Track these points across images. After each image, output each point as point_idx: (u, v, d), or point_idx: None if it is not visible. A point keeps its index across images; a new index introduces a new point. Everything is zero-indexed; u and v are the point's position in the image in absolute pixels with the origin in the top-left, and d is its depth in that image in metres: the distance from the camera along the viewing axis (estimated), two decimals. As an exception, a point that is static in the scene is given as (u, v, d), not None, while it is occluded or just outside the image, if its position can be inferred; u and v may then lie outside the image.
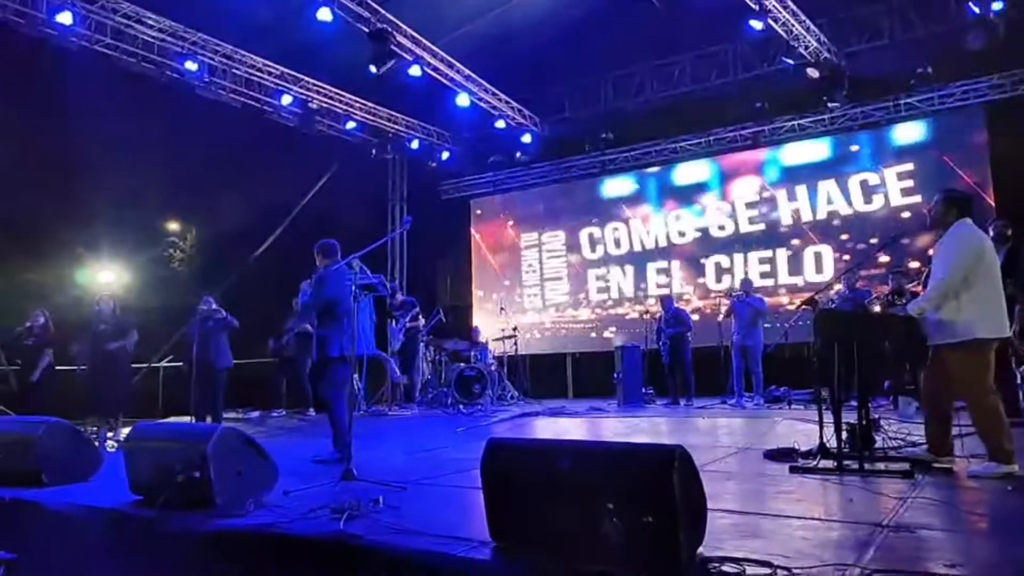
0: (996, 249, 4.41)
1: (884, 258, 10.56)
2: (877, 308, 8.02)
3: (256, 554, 3.07)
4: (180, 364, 9.62)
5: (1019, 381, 7.30)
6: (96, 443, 6.58)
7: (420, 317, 11.30)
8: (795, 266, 12.17)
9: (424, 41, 11.04)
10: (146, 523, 3.36)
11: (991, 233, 6.47)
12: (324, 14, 9.44)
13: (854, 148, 11.99)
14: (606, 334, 13.61)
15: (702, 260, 12.99)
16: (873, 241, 11.22)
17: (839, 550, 2.64)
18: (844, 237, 11.79)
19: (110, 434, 7.86)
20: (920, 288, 5.67)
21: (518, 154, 13.91)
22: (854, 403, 4.60)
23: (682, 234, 13.24)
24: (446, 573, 2.62)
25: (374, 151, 14.09)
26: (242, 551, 3.11)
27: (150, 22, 10.11)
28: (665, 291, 12.60)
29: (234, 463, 3.62)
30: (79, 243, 13.80)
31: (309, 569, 2.93)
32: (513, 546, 2.70)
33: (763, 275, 12.27)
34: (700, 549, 2.56)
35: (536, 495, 2.66)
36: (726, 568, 2.41)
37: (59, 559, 3.46)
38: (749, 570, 2.37)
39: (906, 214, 11.19)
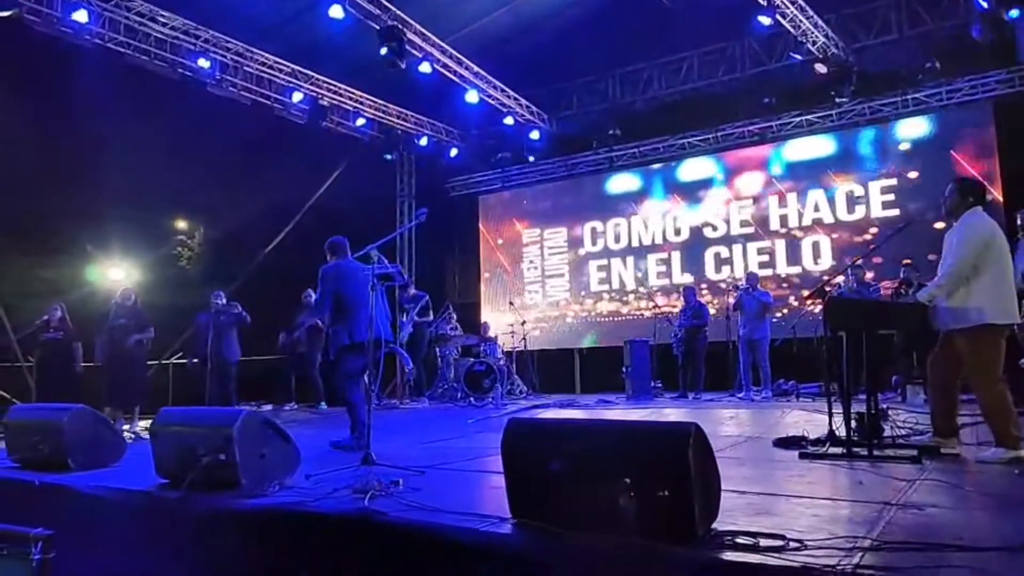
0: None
1: (877, 259, 10.56)
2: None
3: (283, 532, 3.17)
4: (188, 360, 9.70)
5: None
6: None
7: (430, 311, 11.37)
8: (793, 257, 12.25)
9: (433, 38, 11.15)
10: (174, 503, 3.47)
11: (1020, 221, 6.50)
12: (336, 11, 9.54)
13: (859, 144, 12.05)
14: (613, 329, 13.67)
15: (708, 254, 13.06)
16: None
17: (849, 525, 2.73)
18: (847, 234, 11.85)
19: (127, 426, 7.99)
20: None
21: (530, 158, 14.03)
22: (863, 396, 4.69)
23: (689, 229, 13.30)
24: (469, 547, 2.71)
25: (384, 148, 14.20)
26: (269, 529, 3.21)
27: (163, 20, 10.25)
28: (682, 283, 12.65)
29: (258, 445, 3.72)
30: (89, 240, 13.91)
31: (336, 545, 3.02)
32: (532, 521, 2.79)
33: (761, 264, 12.36)
34: (714, 524, 2.65)
35: (555, 472, 2.75)
36: (740, 540, 2.49)
37: (91, 539, 3.56)
38: (762, 542, 2.45)
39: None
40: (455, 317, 11.53)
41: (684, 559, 2.41)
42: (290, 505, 3.24)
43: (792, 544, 2.42)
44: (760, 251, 12.59)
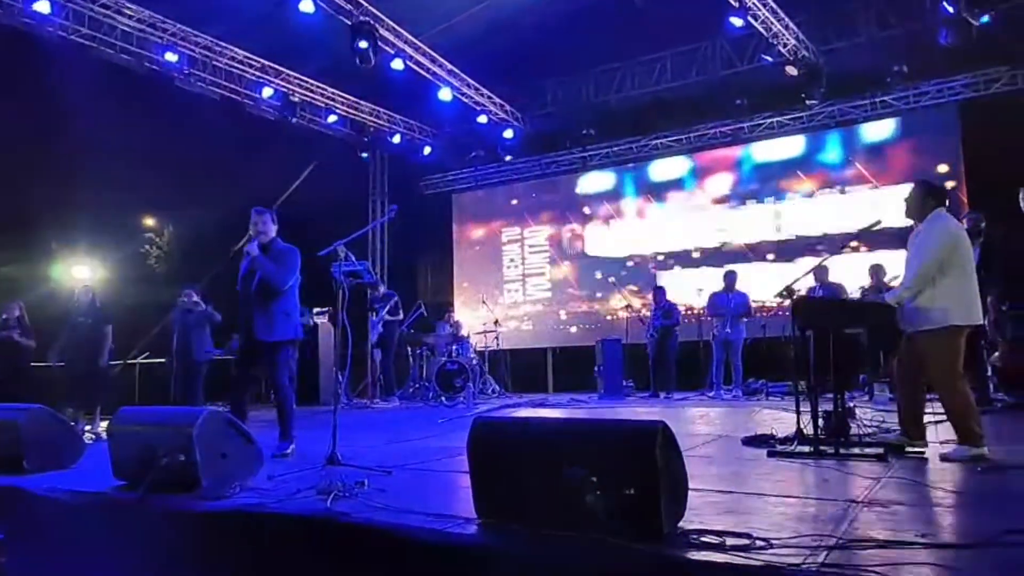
0: (971, 243, 4.52)
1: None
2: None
3: (243, 534, 3.09)
4: (157, 360, 9.52)
5: (989, 373, 7.49)
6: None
7: (400, 310, 11.28)
8: (765, 256, 12.35)
9: (406, 35, 11.06)
10: (131, 505, 3.37)
11: (966, 226, 6.62)
12: (306, 5, 9.43)
13: (828, 146, 12.19)
14: (587, 328, 13.68)
15: (683, 254, 13.12)
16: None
17: (815, 523, 2.73)
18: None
19: (88, 427, 7.81)
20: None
21: (507, 157, 14.00)
22: (831, 395, 4.72)
23: (663, 229, 13.34)
24: (434, 549, 2.66)
25: (357, 146, 14.07)
26: (229, 531, 3.13)
27: (129, 12, 10.03)
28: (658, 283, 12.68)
29: (219, 446, 3.64)
30: (53, 238, 13.62)
31: (297, 548, 2.96)
32: (498, 522, 2.75)
33: (735, 263, 12.39)
34: (681, 523, 2.63)
35: (521, 471, 2.72)
36: (706, 539, 2.47)
37: (46, 543, 3.46)
38: (728, 541, 2.44)
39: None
40: (397, 302, 11.26)
41: (650, 558, 2.39)
42: (251, 507, 3.17)
43: (758, 543, 2.41)
44: (733, 251, 12.66)
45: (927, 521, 2.76)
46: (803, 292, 7.29)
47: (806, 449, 4.52)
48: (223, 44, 11.11)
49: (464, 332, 12.20)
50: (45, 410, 4.70)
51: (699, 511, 2.87)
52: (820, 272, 9.22)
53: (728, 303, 10.16)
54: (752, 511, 2.98)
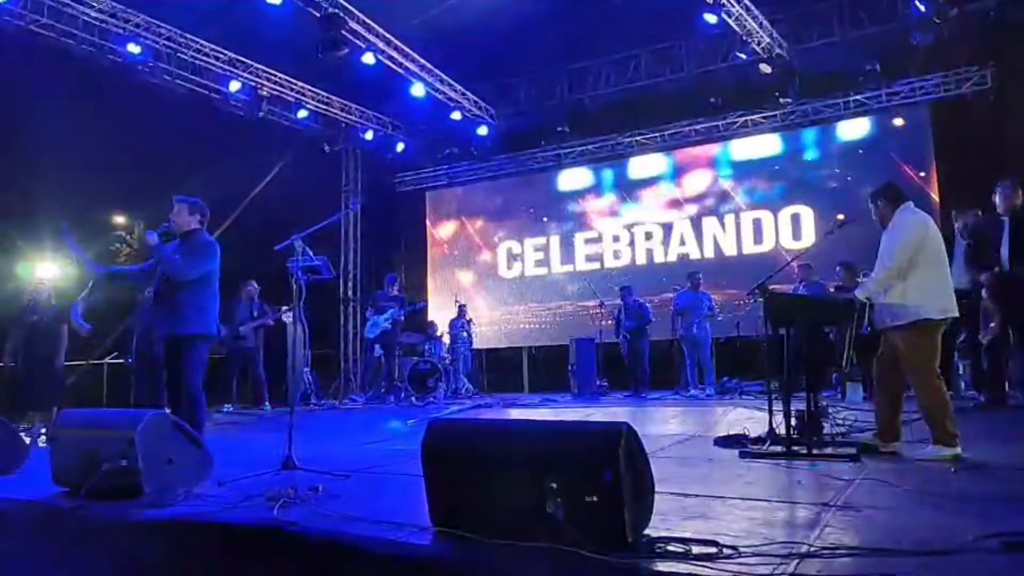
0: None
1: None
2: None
3: (186, 544, 2.91)
4: (124, 360, 9.23)
5: (960, 371, 7.47)
6: (27, 438, 6.27)
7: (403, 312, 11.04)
8: (740, 254, 12.32)
9: (378, 28, 10.83)
10: (68, 514, 3.17)
11: (956, 225, 6.53)
12: (273, -4, 9.19)
13: (804, 144, 12.20)
14: (562, 327, 13.56)
15: (656, 253, 13.06)
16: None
17: (786, 529, 2.62)
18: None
19: (44, 429, 7.53)
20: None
21: (478, 152, 13.87)
22: (803, 394, 4.63)
23: (638, 227, 13.27)
24: (383, 559, 2.51)
25: (327, 142, 13.82)
26: (171, 541, 2.94)
27: (90, 1, 9.71)
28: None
29: (164, 450, 3.45)
30: (18, 235, 13.25)
31: (242, 558, 2.78)
32: (454, 530, 2.60)
33: (708, 262, 12.39)
34: (647, 530, 2.50)
35: (478, 476, 2.57)
36: (672, 548, 2.35)
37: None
38: (695, 549, 2.31)
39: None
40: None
41: (613, 569, 2.25)
42: (193, 515, 2.98)
43: (726, 551, 2.30)
44: (707, 249, 12.62)
45: (902, 526, 2.64)
46: (782, 289, 7.25)
47: (779, 449, 4.43)
48: (188, 36, 10.81)
49: (439, 332, 12.02)
50: (-15, 413, 4.47)
51: (666, 516, 2.74)
52: (803, 271, 9.19)
53: (692, 303, 10.12)
54: (721, 516, 2.86)
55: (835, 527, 2.62)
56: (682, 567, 2.19)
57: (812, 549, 2.31)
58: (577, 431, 2.66)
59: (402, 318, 10.96)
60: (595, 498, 2.38)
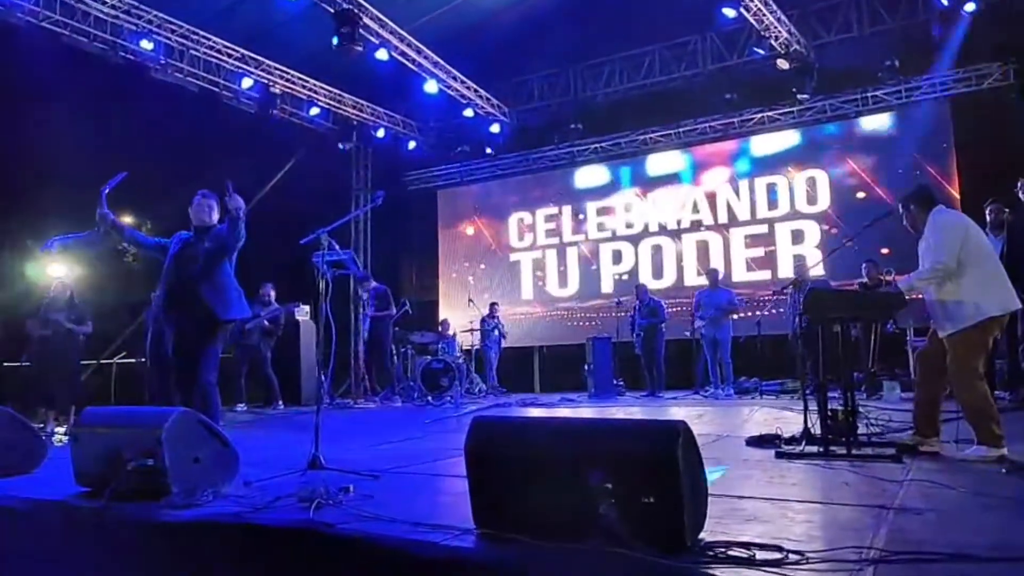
0: (996, 234, 4.31)
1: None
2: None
3: (217, 546, 2.80)
4: (135, 360, 9.16)
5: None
6: (44, 437, 6.20)
7: (392, 306, 10.84)
8: (760, 251, 12.18)
9: (391, 24, 10.75)
10: (93, 515, 3.06)
11: (989, 218, 6.45)
12: (287, -8, 9.11)
13: (823, 140, 12.06)
14: (575, 327, 13.43)
15: (673, 250, 12.93)
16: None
17: (848, 533, 2.48)
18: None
19: (60, 428, 7.46)
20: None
21: (491, 150, 13.75)
22: (833, 393, 4.51)
23: (656, 225, 13.14)
24: (427, 563, 2.39)
25: (339, 140, 13.73)
26: (200, 543, 2.84)
27: (103, -2, 9.64)
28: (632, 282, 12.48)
29: (191, 449, 3.33)
30: (28, 235, 13.19)
31: (277, 561, 2.67)
32: (499, 532, 2.48)
33: (728, 260, 12.27)
34: (702, 534, 2.38)
35: (527, 476, 2.45)
36: (733, 553, 2.22)
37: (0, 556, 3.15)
38: (759, 555, 2.19)
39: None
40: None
41: (674, 574, 2.13)
42: (224, 516, 2.87)
43: (791, 556, 2.16)
44: (726, 246, 12.48)
45: (970, 530, 2.52)
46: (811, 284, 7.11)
47: (815, 449, 4.30)
48: (201, 32, 10.73)
49: (451, 331, 11.91)
50: (3, 410, 4.37)
51: (720, 519, 2.62)
52: (799, 270, 9.07)
53: (712, 301, 9.99)
54: (775, 519, 2.73)
55: (899, 531, 2.50)
56: (748, 573, 2.07)
57: (883, 554, 2.18)
58: (633, 429, 2.54)
59: (389, 312, 10.75)
60: (652, 499, 2.26)
